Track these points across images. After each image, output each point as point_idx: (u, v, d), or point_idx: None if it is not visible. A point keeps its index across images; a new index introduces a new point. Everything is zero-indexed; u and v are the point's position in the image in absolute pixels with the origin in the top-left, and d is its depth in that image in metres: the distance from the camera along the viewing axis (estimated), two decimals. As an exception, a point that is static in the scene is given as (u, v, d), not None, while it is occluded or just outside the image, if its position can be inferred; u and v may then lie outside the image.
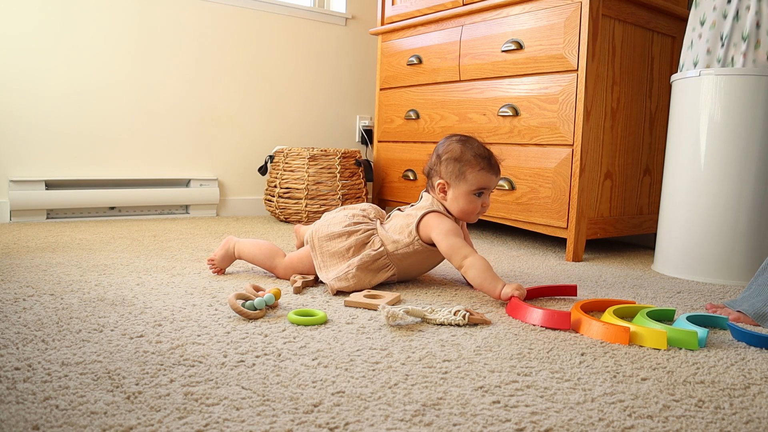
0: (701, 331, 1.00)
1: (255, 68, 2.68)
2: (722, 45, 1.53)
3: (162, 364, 0.81)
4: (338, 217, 1.37)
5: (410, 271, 1.38)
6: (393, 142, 2.52)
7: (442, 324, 1.06)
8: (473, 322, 1.07)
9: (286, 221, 2.46)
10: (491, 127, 2.02)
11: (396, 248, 1.32)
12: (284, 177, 2.44)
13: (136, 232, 2.02)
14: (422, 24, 2.33)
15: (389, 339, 0.97)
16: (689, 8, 1.91)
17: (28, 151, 2.21)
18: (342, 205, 2.41)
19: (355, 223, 1.35)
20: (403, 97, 2.45)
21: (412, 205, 1.40)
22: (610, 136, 1.84)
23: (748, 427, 0.70)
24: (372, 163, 2.62)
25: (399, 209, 1.41)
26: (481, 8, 2.05)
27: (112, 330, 0.96)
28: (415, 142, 2.39)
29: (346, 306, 1.17)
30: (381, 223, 1.38)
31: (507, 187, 1.95)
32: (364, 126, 3.03)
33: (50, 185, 2.25)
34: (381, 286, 1.34)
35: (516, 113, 1.93)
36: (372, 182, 2.65)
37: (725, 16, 1.54)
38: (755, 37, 1.50)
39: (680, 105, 1.63)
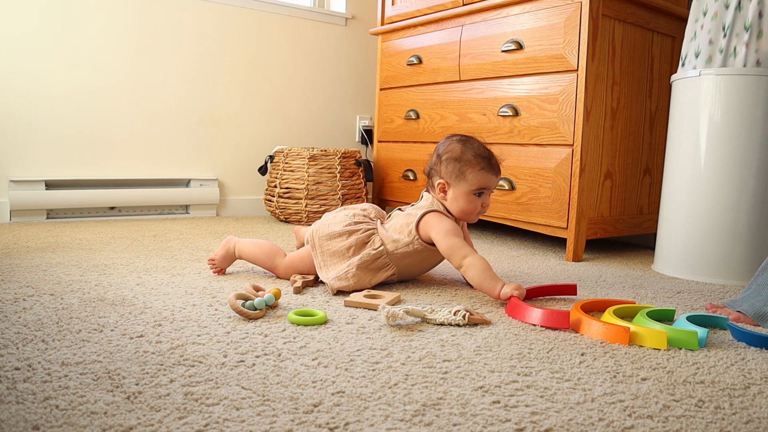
0: (701, 331, 1.00)
1: (255, 68, 2.68)
2: (724, 35, 1.52)
3: (162, 364, 0.81)
4: (339, 217, 1.37)
5: (410, 271, 1.38)
6: (393, 142, 2.52)
7: (442, 324, 1.06)
8: (473, 322, 1.07)
9: (286, 221, 2.46)
10: (491, 127, 2.02)
11: (396, 247, 1.32)
12: (284, 177, 2.44)
13: (136, 232, 2.02)
14: (422, 24, 2.33)
15: (389, 339, 0.97)
16: (689, 8, 1.90)
17: (28, 151, 2.21)
18: (342, 205, 2.41)
19: (356, 223, 1.35)
20: (403, 97, 2.45)
21: (413, 205, 1.40)
22: (610, 136, 1.84)
23: (748, 427, 0.70)
24: (372, 163, 2.62)
25: (399, 209, 1.41)
26: (481, 8, 2.05)
27: (112, 330, 0.96)
28: (415, 142, 2.39)
29: (346, 306, 1.17)
30: (381, 223, 1.38)
31: (507, 187, 1.95)
32: (364, 126, 3.03)
33: (50, 185, 2.25)
34: (381, 286, 1.34)
35: (516, 113, 1.93)
36: (372, 182, 2.65)
37: (727, 7, 1.53)
38: (758, 27, 1.49)
39: (680, 105, 1.63)
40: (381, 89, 2.58)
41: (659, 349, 0.96)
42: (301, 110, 2.84)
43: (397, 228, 1.34)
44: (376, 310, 1.14)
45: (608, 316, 1.09)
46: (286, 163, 2.46)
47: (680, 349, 0.97)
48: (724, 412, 0.73)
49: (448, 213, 1.35)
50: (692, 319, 1.10)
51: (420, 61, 2.33)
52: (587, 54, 1.72)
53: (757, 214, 1.52)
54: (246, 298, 1.08)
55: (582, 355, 0.92)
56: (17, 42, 2.15)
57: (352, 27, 2.97)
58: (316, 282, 1.36)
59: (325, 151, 2.46)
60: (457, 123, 2.17)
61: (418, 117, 2.35)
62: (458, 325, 1.06)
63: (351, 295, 1.22)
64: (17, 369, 0.78)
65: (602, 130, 1.82)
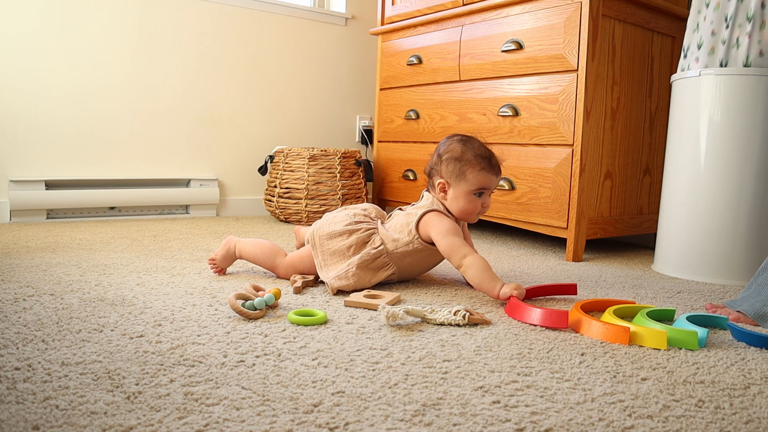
0: (701, 331, 1.00)
1: (255, 68, 2.68)
2: (727, 26, 1.51)
3: (162, 364, 0.81)
4: (339, 216, 1.37)
5: (410, 271, 1.38)
6: (393, 142, 2.52)
7: (442, 324, 1.06)
8: (473, 322, 1.07)
9: (286, 221, 2.46)
10: (491, 127, 2.02)
11: (396, 247, 1.32)
12: (284, 177, 2.44)
13: (136, 232, 2.02)
14: (422, 24, 2.33)
15: (389, 339, 0.97)
16: (689, 8, 1.90)
17: (28, 151, 2.21)
18: (342, 205, 2.41)
19: (357, 222, 1.35)
20: (403, 97, 2.45)
21: (413, 205, 1.40)
22: (610, 136, 1.84)
23: (748, 427, 0.70)
24: (372, 163, 2.62)
25: (400, 209, 1.42)
26: (481, 8, 2.05)
27: (112, 330, 0.96)
28: (415, 142, 2.39)
29: (346, 306, 1.17)
30: (382, 223, 1.38)
31: (507, 187, 1.95)
32: (364, 126, 3.03)
33: (50, 185, 2.25)
34: (381, 285, 1.34)
35: (516, 113, 1.93)
36: (372, 182, 2.65)
37: None
38: (760, 18, 1.48)
39: (680, 105, 1.63)
40: (381, 89, 2.58)
41: (659, 349, 0.96)
42: (301, 110, 2.84)
43: (398, 227, 1.34)
44: (376, 310, 1.14)
45: (608, 316, 1.09)
46: (286, 163, 2.46)
47: (680, 349, 0.97)
48: (724, 412, 0.73)
49: (448, 213, 1.35)
50: (692, 319, 1.10)
51: (420, 61, 2.33)
52: (587, 54, 1.72)
53: (757, 214, 1.52)
54: (246, 298, 1.08)
55: (582, 355, 0.92)
56: (17, 42, 2.15)
57: (352, 27, 2.97)
58: (316, 282, 1.36)
59: (325, 151, 2.46)
60: (457, 123, 2.17)
61: (418, 117, 2.35)
62: (458, 325, 1.06)
63: (351, 295, 1.22)
64: (17, 369, 0.78)
65: (602, 130, 1.82)
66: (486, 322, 1.08)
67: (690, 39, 1.63)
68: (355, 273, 1.27)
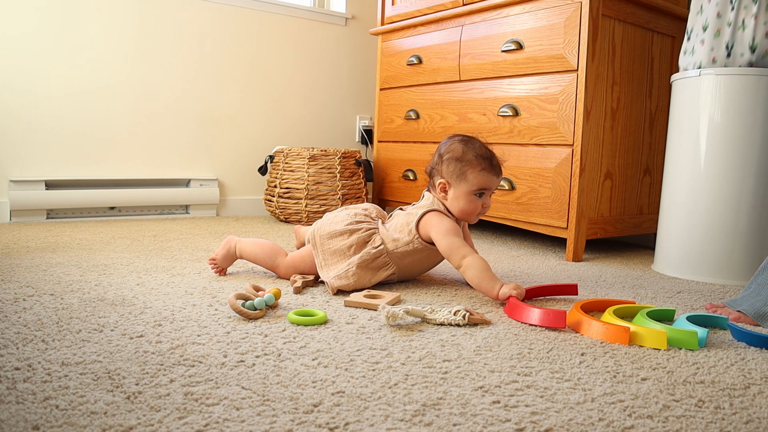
0: (701, 331, 1.00)
1: (255, 68, 2.68)
2: (732, 8, 1.50)
3: (162, 364, 0.81)
4: (340, 216, 1.37)
5: (410, 270, 1.38)
6: (393, 142, 2.52)
7: (442, 324, 1.06)
8: (473, 322, 1.07)
9: (286, 221, 2.46)
10: (491, 127, 2.02)
11: (396, 246, 1.32)
12: (284, 177, 2.44)
13: (136, 232, 2.02)
14: (422, 24, 2.33)
15: (389, 339, 0.97)
16: (689, 8, 1.90)
17: (28, 151, 2.21)
18: (342, 205, 2.41)
19: (357, 222, 1.35)
20: (403, 97, 2.45)
21: (414, 205, 1.40)
22: (610, 136, 1.84)
23: (748, 427, 0.70)
24: (372, 163, 2.63)
25: (401, 208, 1.42)
26: (481, 8, 2.05)
27: (112, 330, 0.96)
28: (415, 142, 2.39)
29: (346, 306, 1.17)
30: (383, 223, 1.38)
31: (507, 187, 1.95)
32: (364, 126, 3.03)
33: (50, 185, 2.25)
34: (381, 285, 1.34)
35: (516, 113, 1.93)
36: (372, 182, 2.65)
37: None
38: None
39: (680, 105, 1.63)
40: (381, 89, 2.58)
41: (659, 349, 0.96)
42: (301, 110, 2.84)
43: (398, 227, 1.34)
44: (376, 310, 1.14)
45: (608, 316, 1.09)
46: (286, 163, 2.46)
47: (680, 349, 0.97)
48: (724, 412, 0.73)
49: (448, 213, 1.35)
50: (692, 319, 1.10)
51: (420, 61, 2.33)
52: (587, 54, 1.72)
53: (757, 214, 1.52)
54: (246, 298, 1.08)
55: (582, 355, 0.92)
56: (17, 42, 2.15)
57: (352, 27, 2.97)
58: (316, 282, 1.36)
59: (325, 151, 2.46)
60: (457, 123, 2.17)
61: (418, 117, 2.35)
62: (458, 325, 1.06)
63: (351, 295, 1.22)
64: (17, 369, 0.78)
65: (602, 130, 1.82)
66: (486, 322, 1.08)
67: (694, 21, 1.61)
68: (355, 273, 1.27)
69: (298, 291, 1.27)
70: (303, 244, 1.53)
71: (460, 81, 2.16)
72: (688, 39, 1.63)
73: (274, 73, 2.74)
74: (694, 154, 1.58)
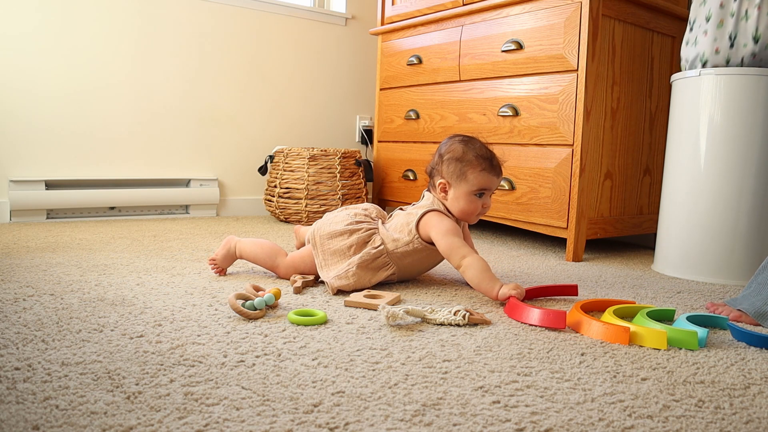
0: (701, 331, 1.00)
1: (255, 68, 2.68)
2: None
3: (162, 364, 0.81)
4: (340, 216, 1.37)
5: (410, 270, 1.38)
6: (393, 142, 2.52)
7: (442, 324, 1.06)
8: (473, 322, 1.07)
9: (286, 221, 2.46)
10: (491, 127, 2.02)
11: (396, 246, 1.32)
12: (284, 177, 2.44)
13: (136, 232, 2.02)
14: (422, 24, 2.33)
15: (389, 339, 0.97)
16: (689, 8, 1.90)
17: (28, 151, 2.21)
18: (342, 205, 2.41)
19: (357, 222, 1.35)
20: (403, 97, 2.45)
21: (414, 205, 1.40)
22: (610, 136, 1.84)
23: (748, 427, 0.70)
24: (372, 163, 2.63)
25: (401, 208, 1.42)
26: (481, 8, 2.05)
27: (112, 330, 0.96)
28: (415, 142, 2.39)
29: (346, 306, 1.17)
30: (383, 223, 1.38)
31: (507, 187, 1.95)
32: (364, 126, 3.03)
33: (50, 185, 2.25)
34: (381, 285, 1.34)
35: (516, 113, 1.93)
36: (372, 182, 2.65)
37: None
38: None
39: (680, 105, 1.63)
40: (381, 89, 2.58)
41: (659, 349, 0.96)
42: (301, 110, 2.84)
43: (398, 227, 1.34)
44: (376, 310, 1.14)
45: (608, 316, 1.09)
46: (286, 163, 2.46)
47: (680, 349, 0.97)
48: (724, 412, 0.73)
49: (448, 213, 1.35)
50: (692, 319, 1.10)
51: (420, 61, 2.33)
52: (587, 54, 1.72)
53: (757, 214, 1.52)
54: (246, 298, 1.08)
55: (582, 355, 0.92)
56: (17, 42, 2.15)
57: (352, 27, 2.97)
58: (316, 282, 1.36)
59: (325, 151, 2.46)
60: (457, 123, 2.17)
61: (418, 117, 2.35)
62: (458, 325, 1.06)
63: (351, 295, 1.22)
64: (17, 369, 0.78)
65: (602, 130, 1.82)
66: (486, 322, 1.08)
67: (696, 12, 1.60)
68: (355, 273, 1.27)
69: (298, 291, 1.27)
70: (303, 244, 1.53)
71: (460, 81, 2.16)
72: (691, 30, 1.62)
73: (274, 73, 2.74)
74: (694, 154, 1.58)
